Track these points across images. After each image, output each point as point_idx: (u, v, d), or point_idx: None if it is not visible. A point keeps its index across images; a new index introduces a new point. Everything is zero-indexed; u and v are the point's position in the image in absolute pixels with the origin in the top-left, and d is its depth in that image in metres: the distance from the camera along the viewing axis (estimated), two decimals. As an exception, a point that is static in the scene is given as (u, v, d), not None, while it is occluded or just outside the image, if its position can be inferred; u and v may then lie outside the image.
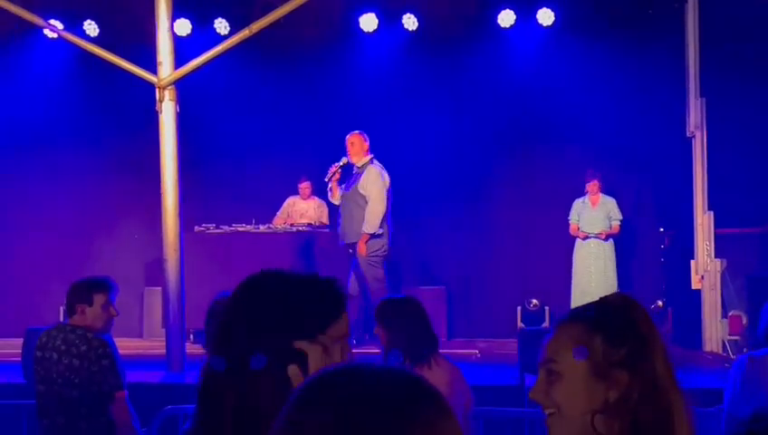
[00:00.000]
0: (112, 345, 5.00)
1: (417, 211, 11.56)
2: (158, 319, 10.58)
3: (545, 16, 11.15)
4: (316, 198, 11.10)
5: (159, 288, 10.04)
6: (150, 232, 10.91)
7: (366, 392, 1.07)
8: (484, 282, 11.63)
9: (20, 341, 7.79)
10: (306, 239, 10.49)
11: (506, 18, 11.19)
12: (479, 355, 9.55)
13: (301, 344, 1.63)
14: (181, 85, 8.29)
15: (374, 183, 8.70)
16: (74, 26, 10.73)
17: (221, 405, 1.63)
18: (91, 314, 4.97)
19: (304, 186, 11.08)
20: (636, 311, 1.83)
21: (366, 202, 8.69)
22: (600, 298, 1.88)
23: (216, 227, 10.46)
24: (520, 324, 10.75)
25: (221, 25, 11.29)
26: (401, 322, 4.43)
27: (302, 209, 11.06)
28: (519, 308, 11.01)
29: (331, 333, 1.67)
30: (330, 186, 8.90)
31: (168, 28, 8.18)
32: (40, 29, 10.88)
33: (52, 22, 9.67)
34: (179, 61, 8.26)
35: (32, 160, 11.83)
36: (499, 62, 11.55)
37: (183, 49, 9.06)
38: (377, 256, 8.72)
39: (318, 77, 11.59)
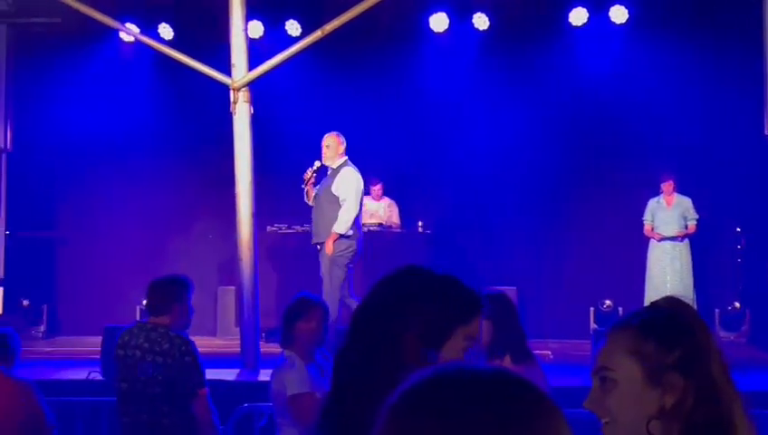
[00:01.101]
0: (194, 343, 5.08)
1: (488, 211, 11.51)
2: (231, 318, 10.71)
3: (618, 14, 11.01)
4: (387, 198, 11.12)
5: (233, 287, 10.19)
6: (224, 232, 11.05)
7: (473, 397, 1.05)
8: (556, 282, 11.52)
9: (99, 339, 7.96)
10: (377, 239, 10.51)
11: (578, 16, 11.08)
12: (552, 356, 9.45)
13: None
14: (253, 86, 8.35)
15: (350, 184, 8.58)
16: (149, 29, 10.90)
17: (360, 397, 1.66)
18: (171, 313, 5.06)
19: (377, 187, 11.09)
20: (687, 314, 1.81)
21: (338, 202, 8.56)
22: (651, 303, 1.87)
23: (288, 228, 10.54)
24: (593, 325, 10.63)
25: (292, 27, 11.38)
26: (511, 319, 4.39)
27: (371, 209, 11.08)
28: (592, 309, 10.89)
29: (468, 330, 1.77)
30: (305, 189, 8.78)
31: (242, 30, 8.24)
32: (115, 33, 11.11)
33: (128, 25, 9.84)
34: (251, 62, 8.33)
35: (107, 162, 12.06)
36: (571, 61, 11.44)
37: (254, 51, 9.14)
38: (342, 256, 8.54)
39: (388, 78, 11.60)
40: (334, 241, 8.42)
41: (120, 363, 5.08)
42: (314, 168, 8.70)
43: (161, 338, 4.98)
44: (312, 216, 8.78)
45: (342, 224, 8.47)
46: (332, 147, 8.63)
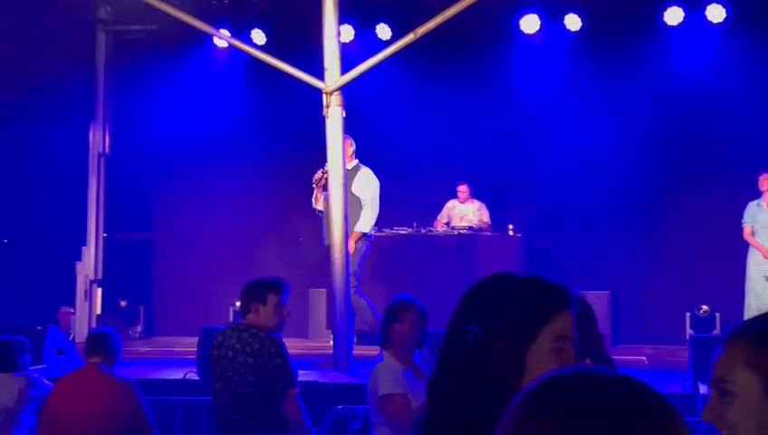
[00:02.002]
0: (284, 344, 5.12)
1: (581, 214, 11.37)
2: (322, 319, 10.79)
3: (715, 13, 10.76)
4: (476, 200, 11.08)
5: (324, 289, 10.27)
6: (315, 234, 11.14)
7: (598, 407, 1.02)
8: (650, 286, 11.32)
9: (194, 339, 8.12)
10: (467, 242, 10.49)
11: (674, 16, 10.86)
12: (647, 362, 9.29)
13: None
14: (344, 89, 8.39)
15: (370, 185, 8.62)
16: (241, 35, 11.06)
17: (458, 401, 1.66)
18: (264, 314, 5.10)
19: (462, 189, 11.07)
20: None
21: (359, 203, 8.56)
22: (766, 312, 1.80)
23: (378, 231, 10.57)
24: (689, 331, 10.41)
25: (383, 30, 11.42)
26: (589, 322, 4.35)
27: (461, 212, 11.06)
28: (688, 314, 10.66)
29: (553, 329, 1.72)
30: (315, 192, 8.77)
31: (335, 34, 8.30)
32: (209, 39, 11.31)
33: (221, 31, 10.00)
34: (342, 66, 8.38)
35: (202, 166, 12.30)
36: (665, 61, 11.23)
37: (345, 54, 9.19)
38: (360, 254, 8.62)
39: (478, 80, 11.56)
40: (357, 240, 8.46)
41: (215, 364, 5.16)
42: (326, 169, 8.67)
43: (252, 339, 5.04)
44: (326, 217, 8.68)
45: (367, 223, 8.60)
46: (344, 149, 8.63)
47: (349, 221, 8.36)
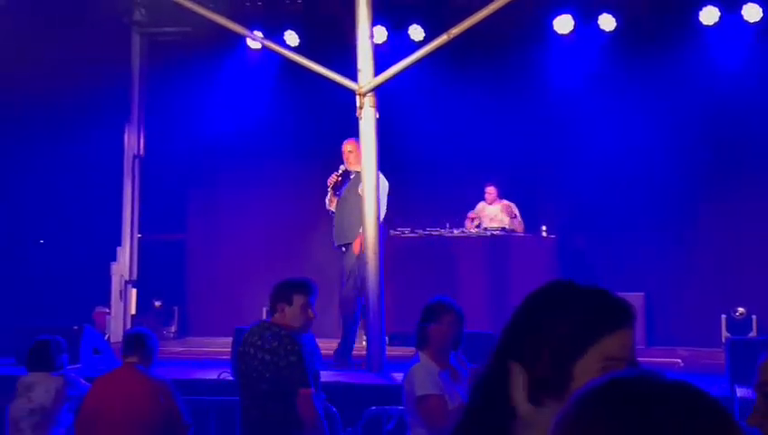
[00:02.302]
0: (305, 344, 5.11)
1: (615, 215, 11.30)
2: (355, 321, 10.79)
3: (752, 12, 10.64)
4: (504, 200, 11.03)
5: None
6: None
7: (655, 413, 1.01)
8: (685, 288, 11.21)
9: (228, 339, 8.15)
10: (500, 243, 10.46)
11: (709, 15, 10.76)
12: (682, 364, 9.21)
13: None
14: (377, 90, 8.39)
15: (381, 187, 8.54)
16: (274, 37, 11.10)
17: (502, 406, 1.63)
18: (290, 314, 5.12)
19: (489, 190, 11.02)
20: None
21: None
22: None
23: (412, 231, 10.58)
24: (725, 334, 10.31)
25: (415, 31, 11.41)
26: None
27: (491, 213, 11.02)
28: (724, 316, 10.56)
29: (602, 348, 1.59)
30: (329, 194, 8.79)
31: (369, 36, 8.31)
32: (242, 41, 11.37)
33: (255, 33, 10.05)
34: (375, 68, 8.38)
35: (235, 167, 12.36)
36: (702, 62, 11.11)
37: (377, 55, 9.19)
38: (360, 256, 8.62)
39: (511, 80, 11.52)
40: (360, 243, 8.44)
41: (240, 361, 5.21)
42: (339, 172, 8.71)
43: (272, 336, 5.07)
44: (336, 219, 8.80)
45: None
46: (354, 152, 8.63)
47: (356, 223, 8.36)
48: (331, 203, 8.85)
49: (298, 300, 5.14)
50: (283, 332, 5.06)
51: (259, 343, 5.09)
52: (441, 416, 4.53)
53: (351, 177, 8.72)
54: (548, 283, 1.74)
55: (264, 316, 10.90)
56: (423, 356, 4.79)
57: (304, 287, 5.22)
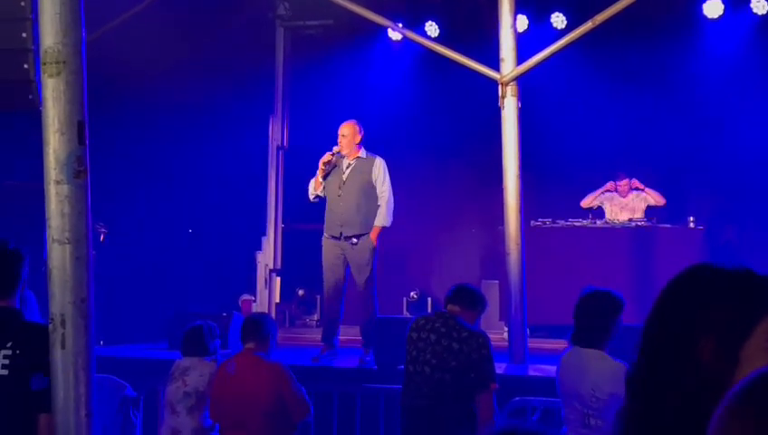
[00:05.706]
0: (489, 338, 5.14)
1: (766, 205, 10.87)
2: (495, 311, 10.73)
3: None
4: (633, 191, 10.72)
5: (496, 281, 10.23)
6: (487, 226, 11.12)
7: None
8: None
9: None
10: (645, 235, 10.21)
11: None
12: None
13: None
14: (519, 80, 8.31)
15: (386, 177, 8.28)
16: (415, 28, 11.15)
17: (662, 400, 1.60)
18: (470, 318, 5.22)
19: (623, 183, 10.71)
20: None
21: (374, 194, 8.21)
22: None
23: (553, 222, 10.44)
24: None
25: (558, 20, 11.25)
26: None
27: (622, 203, 10.74)
28: None
29: (765, 327, 1.55)
30: (317, 175, 8.34)
31: (511, 25, 8.26)
32: (384, 32, 11.46)
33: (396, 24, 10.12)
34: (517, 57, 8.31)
35: (375, 157, 12.45)
36: None
37: (519, 45, 9.10)
38: (376, 251, 8.27)
39: (656, 67, 11.22)
40: (377, 236, 8.22)
41: (411, 346, 5.18)
42: (333, 152, 8.31)
43: (460, 327, 5.06)
44: (332, 206, 8.35)
45: (389, 217, 8.28)
46: (349, 136, 8.30)
47: (367, 214, 8.20)
48: (317, 185, 8.42)
49: (474, 316, 5.22)
50: (465, 324, 5.08)
51: (443, 329, 5.07)
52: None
53: (350, 162, 8.37)
54: (687, 270, 1.68)
55: (406, 307, 11.02)
56: (602, 353, 4.43)
57: (484, 304, 5.37)
